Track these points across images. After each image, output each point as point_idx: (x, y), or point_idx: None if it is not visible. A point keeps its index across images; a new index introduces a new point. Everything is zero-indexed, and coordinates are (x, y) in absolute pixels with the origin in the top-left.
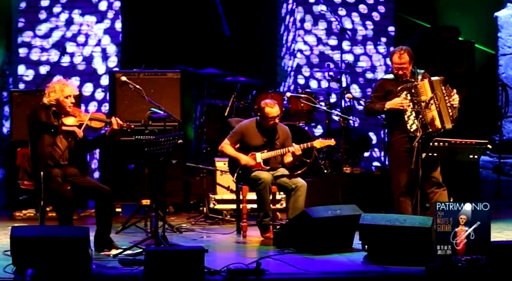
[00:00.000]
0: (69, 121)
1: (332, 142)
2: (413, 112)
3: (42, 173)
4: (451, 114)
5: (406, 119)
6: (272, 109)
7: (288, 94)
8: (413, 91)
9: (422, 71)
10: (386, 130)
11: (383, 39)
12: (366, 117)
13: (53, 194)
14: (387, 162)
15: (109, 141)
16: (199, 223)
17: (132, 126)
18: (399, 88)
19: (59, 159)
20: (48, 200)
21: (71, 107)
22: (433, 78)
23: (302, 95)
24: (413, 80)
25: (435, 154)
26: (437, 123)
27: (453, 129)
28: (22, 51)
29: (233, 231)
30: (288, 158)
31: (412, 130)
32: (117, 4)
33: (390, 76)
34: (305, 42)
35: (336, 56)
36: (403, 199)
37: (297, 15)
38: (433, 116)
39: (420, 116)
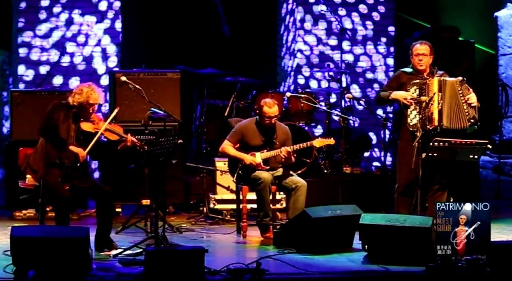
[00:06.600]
0: (86, 126)
1: (331, 141)
2: (417, 108)
3: (42, 172)
4: (467, 112)
5: (409, 113)
6: (270, 109)
7: (288, 94)
8: (423, 87)
9: (442, 72)
10: (390, 126)
11: (383, 39)
12: (377, 105)
13: (52, 194)
14: (387, 162)
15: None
16: (199, 223)
17: (145, 147)
18: (411, 82)
19: (65, 161)
20: (48, 200)
21: (91, 114)
22: (447, 79)
23: (302, 95)
24: (427, 77)
25: (435, 154)
26: (435, 120)
27: (459, 130)
28: (22, 51)
29: (233, 231)
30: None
31: (411, 124)
32: (117, 4)
33: (409, 69)
34: (305, 42)
35: (336, 56)
36: (401, 198)
37: (297, 15)
38: (433, 113)
39: (421, 113)
